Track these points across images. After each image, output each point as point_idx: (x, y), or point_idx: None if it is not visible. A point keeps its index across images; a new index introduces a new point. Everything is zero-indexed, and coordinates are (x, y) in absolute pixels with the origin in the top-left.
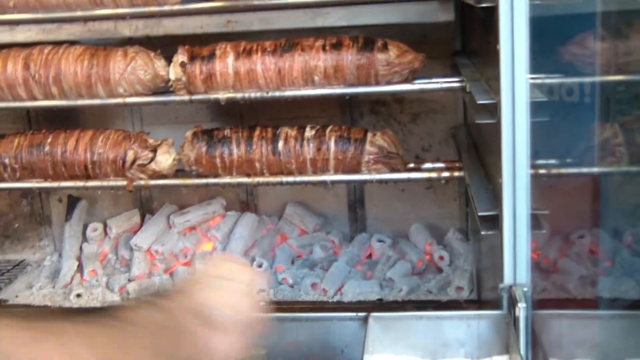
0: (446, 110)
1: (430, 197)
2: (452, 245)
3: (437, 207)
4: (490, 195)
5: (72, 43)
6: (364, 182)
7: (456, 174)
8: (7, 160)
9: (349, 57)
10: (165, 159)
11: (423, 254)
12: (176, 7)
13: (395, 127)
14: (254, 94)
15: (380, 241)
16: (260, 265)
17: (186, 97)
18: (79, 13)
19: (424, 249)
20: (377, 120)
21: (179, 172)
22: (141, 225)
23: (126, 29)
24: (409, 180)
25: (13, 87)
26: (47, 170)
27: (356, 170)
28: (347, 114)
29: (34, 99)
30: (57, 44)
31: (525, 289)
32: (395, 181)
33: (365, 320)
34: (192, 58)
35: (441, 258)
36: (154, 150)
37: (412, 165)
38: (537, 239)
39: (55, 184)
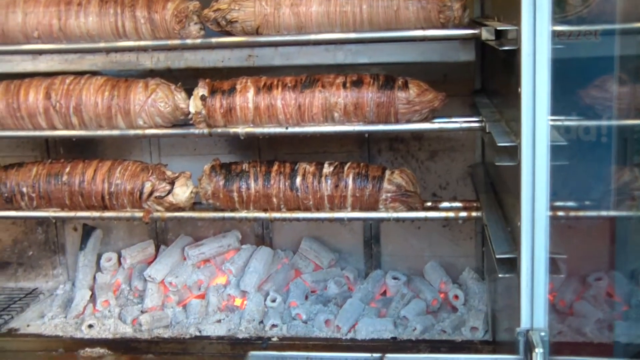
0: (464, 148)
1: (447, 235)
2: (467, 285)
3: (453, 245)
4: (508, 237)
5: (94, 74)
6: (380, 220)
7: (474, 214)
8: (24, 189)
9: (370, 95)
10: (182, 192)
11: (438, 292)
12: (198, 41)
13: (413, 164)
14: (273, 129)
15: (395, 278)
16: (274, 300)
17: (206, 131)
18: (101, 44)
19: (439, 288)
20: (394, 157)
21: (195, 205)
22: (155, 256)
23: (148, 61)
24: (426, 219)
25: (34, 116)
26: (64, 199)
27: (373, 207)
28: (365, 150)
29: (54, 128)
30: (79, 74)
31: (543, 334)
32: (413, 220)
33: None
34: (213, 91)
35: (456, 297)
36: (172, 183)
37: (429, 204)
38: (553, 280)
39: (71, 214)
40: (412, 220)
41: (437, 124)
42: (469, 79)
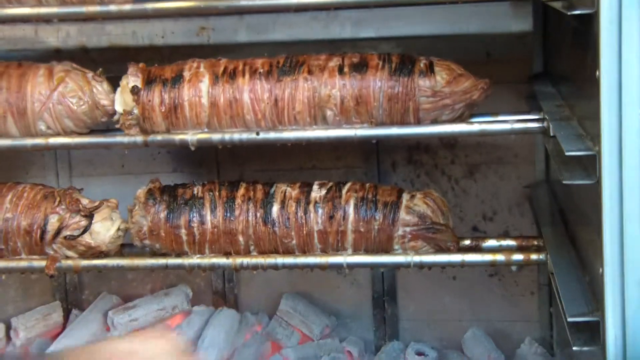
0: (519, 161)
1: (496, 290)
2: None
3: (505, 304)
4: (587, 290)
5: None
6: (396, 267)
7: (534, 257)
8: None
9: (378, 84)
10: (105, 229)
11: None
12: (127, 7)
13: (444, 185)
14: (238, 135)
15: (420, 354)
16: None
17: (139, 139)
18: None
19: None
20: (416, 174)
21: (124, 248)
22: (64, 326)
23: (52, 37)
24: (462, 265)
25: None
26: None
27: (386, 248)
28: (374, 164)
29: None
30: None
31: None
32: (443, 266)
33: None
34: (149, 81)
35: None
36: (89, 216)
37: (467, 242)
38: None
39: None
40: (443, 266)
41: (477, 125)
42: (524, 59)
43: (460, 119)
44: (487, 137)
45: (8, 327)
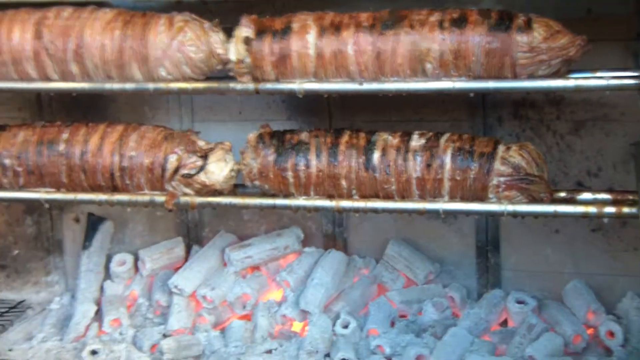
0: (625, 118)
1: (598, 244)
2: (628, 317)
3: (607, 259)
4: None
5: (100, 5)
6: (490, 215)
7: (626, 210)
8: (7, 161)
9: (476, 39)
10: (219, 169)
11: (583, 325)
12: None
13: (549, 140)
14: (342, 85)
15: (520, 302)
16: (346, 326)
17: (250, 86)
18: None
19: (584, 319)
20: (521, 128)
21: (237, 188)
22: (186, 260)
23: None
24: (555, 215)
25: (20, 62)
26: (61, 176)
27: (481, 197)
28: (479, 118)
29: (47, 79)
30: (81, 4)
31: None
32: (536, 215)
33: None
34: (261, 32)
35: (611, 334)
36: (205, 157)
37: (563, 194)
38: None
39: (70, 196)
40: (536, 216)
41: (572, 81)
42: (628, 15)
43: (557, 74)
44: (593, 94)
45: (136, 259)
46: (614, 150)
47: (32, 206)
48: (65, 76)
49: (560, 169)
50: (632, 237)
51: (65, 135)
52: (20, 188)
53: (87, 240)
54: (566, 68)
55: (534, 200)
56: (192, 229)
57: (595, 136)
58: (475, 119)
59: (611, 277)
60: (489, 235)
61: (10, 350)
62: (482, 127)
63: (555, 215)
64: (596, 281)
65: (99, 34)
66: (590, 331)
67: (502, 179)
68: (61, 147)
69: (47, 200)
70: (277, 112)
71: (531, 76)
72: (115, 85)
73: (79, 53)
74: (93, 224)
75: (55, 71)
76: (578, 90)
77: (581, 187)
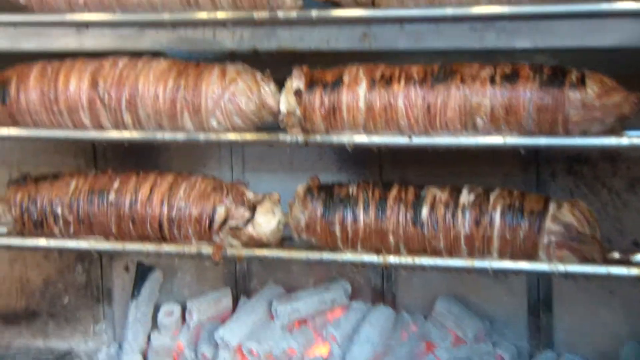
0: None
1: None
2: None
3: None
4: None
5: (155, 55)
6: (540, 274)
7: None
8: (59, 210)
9: (528, 94)
10: (267, 222)
11: None
12: (294, 14)
13: (604, 197)
14: (391, 139)
15: None
16: None
17: (300, 138)
18: (166, 16)
19: None
20: (575, 184)
21: (285, 241)
22: (233, 311)
23: (228, 39)
24: (609, 276)
25: (75, 111)
26: (110, 226)
27: (531, 255)
28: (532, 173)
29: (100, 127)
30: (136, 55)
31: None
32: (588, 277)
33: None
34: (312, 84)
35: None
36: (253, 208)
37: (616, 255)
38: None
39: (119, 246)
40: (587, 277)
41: (627, 139)
42: None
43: (611, 132)
44: None
45: (183, 309)
46: None
47: (82, 254)
48: (118, 125)
49: (615, 227)
50: None
51: (115, 185)
52: (71, 236)
53: (136, 289)
54: (620, 125)
55: (586, 260)
56: (240, 280)
57: None
58: (528, 174)
59: None
60: (541, 294)
61: None
62: (535, 182)
63: (609, 277)
64: None
65: (152, 84)
66: None
67: (553, 237)
68: (111, 196)
69: (97, 250)
70: (328, 163)
71: (584, 133)
72: (167, 135)
73: (132, 103)
74: (142, 273)
75: (108, 120)
76: (633, 148)
77: (637, 246)
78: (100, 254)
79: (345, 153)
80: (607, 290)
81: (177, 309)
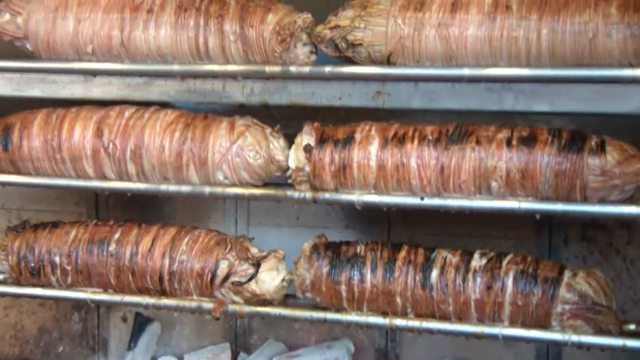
0: None
1: None
2: None
3: None
4: None
5: (163, 106)
6: (553, 344)
7: None
8: (57, 259)
9: (545, 159)
10: (270, 279)
11: None
12: (307, 69)
13: (618, 265)
14: (402, 199)
15: None
16: None
17: (309, 195)
18: (175, 67)
19: None
20: (589, 250)
21: (288, 299)
22: None
23: (238, 92)
24: (624, 349)
25: (78, 160)
26: (109, 277)
27: (543, 324)
28: (545, 238)
29: (104, 177)
30: (144, 105)
31: None
32: (603, 349)
33: None
34: (322, 141)
35: None
36: (257, 265)
37: (632, 327)
38: None
39: (117, 298)
40: (602, 349)
41: None
42: None
43: (631, 200)
44: None
45: None
46: None
47: (80, 305)
48: (121, 175)
49: (629, 296)
50: None
51: (116, 235)
52: (68, 287)
53: (133, 340)
54: None
55: (601, 331)
56: (240, 335)
57: None
58: (540, 238)
59: None
60: None
61: None
62: (547, 247)
63: (624, 349)
64: None
65: (159, 135)
66: None
67: (567, 306)
68: (112, 247)
69: (93, 301)
70: (336, 220)
71: (602, 200)
72: (171, 187)
73: (137, 153)
74: (140, 324)
75: (112, 170)
76: None
77: None
78: (97, 305)
79: (354, 210)
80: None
81: None
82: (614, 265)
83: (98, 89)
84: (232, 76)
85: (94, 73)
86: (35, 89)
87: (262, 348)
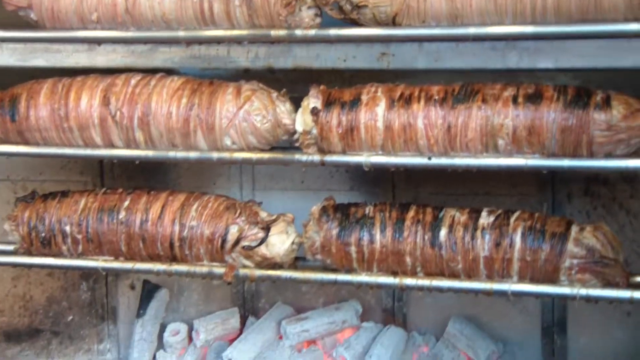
0: None
1: None
2: None
3: None
4: None
5: (169, 72)
6: (561, 298)
7: None
8: (67, 228)
9: (551, 115)
10: (280, 242)
11: None
12: (312, 32)
13: (621, 219)
14: (410, 160)
15: None
16: None
17: (316, 157)
18: (180, 33)
19: None
20: (592, 206)
21: (298, 261)
22: (241, 331)
23: (242, 57)
24: (632, 301)
25: (85, 128)
26: (120, 245)
27: (552, 278)
28: (548, 193)
29: (112, 145)
30: (149, 72)
31: None
32: (611, 301)
33: None
34: (329, 103)
35: None
36: (267, 229)
37: (639, 279)
38: None
39: (128, 265)
40: (610, 301)
41: None
42: None
43: (635, 154)
44: None
45: (190, 329)
46: None
47: (88, 274)
48: (129, 143)
49: (633, 249)
50: None
51: (126, 203)
52: (79, 255)
53: (142, 308)
54: None
55: (608, 284)
56: (249, 300)
57: None
58: (544, 194)
59: None
60: (555, 316)
61: None
62: (551, 203)
63: (632, 301)
64: None
65: (165, 102)
66: None
67: (575, 261)
68: (122, 215)
69: (105, 269)
70: (340, 182)
71: (608, 155)
72: (179, 154)
73: (144, 121)
74: (148, 291)
75: (120, 138)
76: None
77: None
78: (107, 273)
79: (358, 171)
80: (625, 311)
81: (183, 329)
82: (617, 219)
83: (102, 57)
84: (237, 41)
85: (99, 41)
86: (40, 59)
87: (271, 311)
